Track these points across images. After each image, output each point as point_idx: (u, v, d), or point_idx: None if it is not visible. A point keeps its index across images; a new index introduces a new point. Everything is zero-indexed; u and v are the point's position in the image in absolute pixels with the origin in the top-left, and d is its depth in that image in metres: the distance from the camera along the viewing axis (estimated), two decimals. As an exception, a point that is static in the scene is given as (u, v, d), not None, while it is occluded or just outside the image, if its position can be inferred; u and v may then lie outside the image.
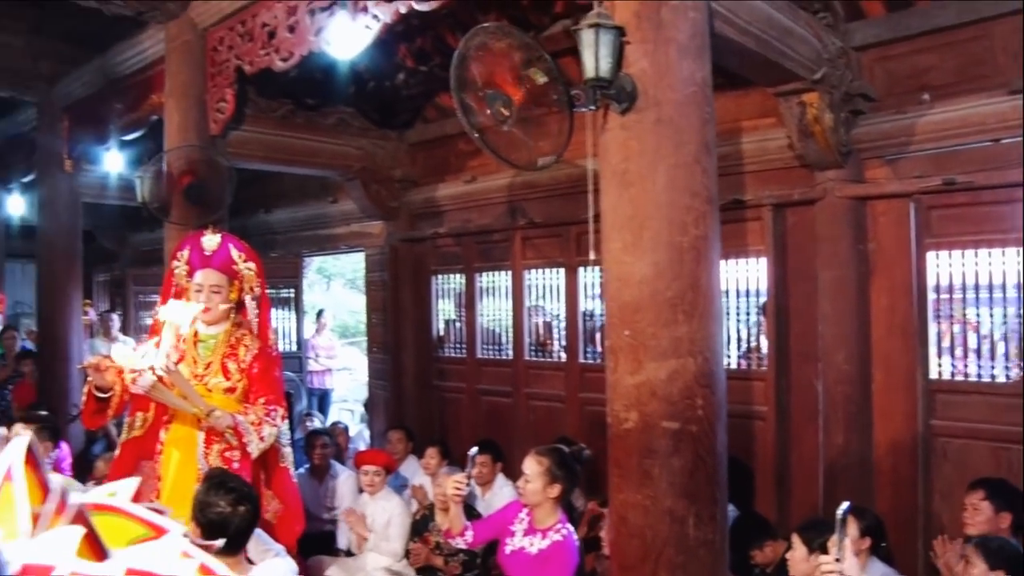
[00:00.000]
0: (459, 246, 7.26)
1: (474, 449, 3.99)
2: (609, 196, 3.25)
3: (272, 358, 4.10)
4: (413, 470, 6.34)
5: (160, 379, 3.52)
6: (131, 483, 0.78)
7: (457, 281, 7.38)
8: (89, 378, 3.70)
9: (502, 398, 6.91)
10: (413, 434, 6.71)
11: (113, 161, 8.11)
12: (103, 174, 8.70)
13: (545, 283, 6.64)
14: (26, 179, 9.16)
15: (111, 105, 7.07)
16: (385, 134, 7.43)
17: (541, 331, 6.79)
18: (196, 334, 3.98)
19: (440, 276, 7.54)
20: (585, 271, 6.29)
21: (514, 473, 5.85)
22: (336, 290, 18.47)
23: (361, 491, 5.65)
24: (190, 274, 4.02)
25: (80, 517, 0.67)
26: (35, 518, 0.69)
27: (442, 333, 7.59)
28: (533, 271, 6.70)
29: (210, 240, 3.95)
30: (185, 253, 4.07)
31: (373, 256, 8.19)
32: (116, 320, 9.76)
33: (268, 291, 4.29)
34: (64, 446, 6.25)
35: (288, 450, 4.23)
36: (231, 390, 3.92)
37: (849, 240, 4.96)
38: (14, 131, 9.32)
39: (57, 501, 0.67)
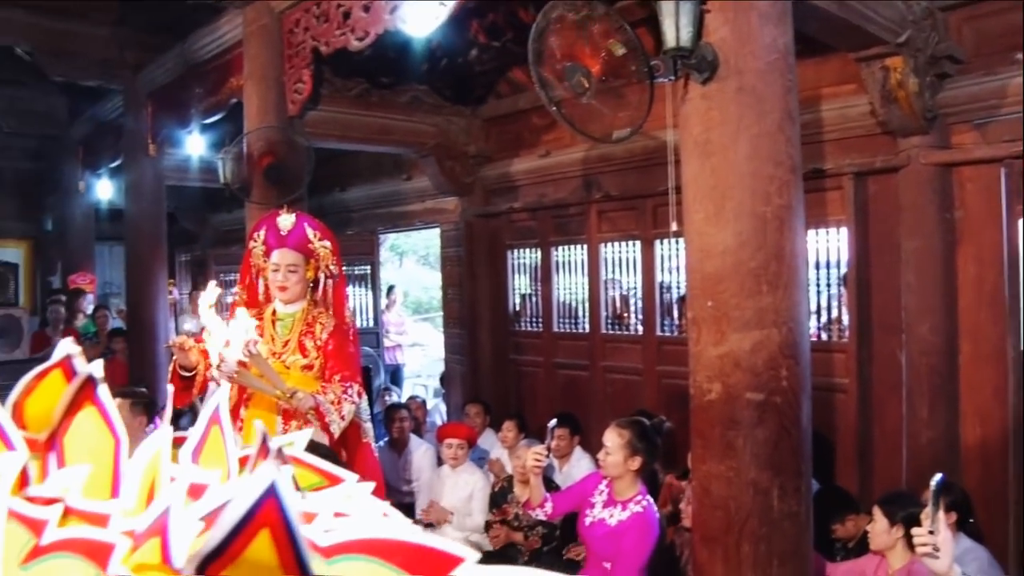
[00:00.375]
0: (534, 220, 7.25)
1: (553, 421, 3.98)
2: (690, 167, 3.22)
3: (347, 334, 4.12)
4: (491, 443, 6.40)
5: (242, 364, 3.57)
6: (306, 433, 0.81)
7: (532, 255, 7.37)
8: (174, 357, 3.77)
9: (578, 371, 6.90)
10: (490, 408, 6.76)
11: (194, 144, 8.29)
12: (185, 157, 8.90)
13: (621, 256, 6.60)
14: (113, 164, 9.48)
15: (192, 90, 7.23)
16: (459, 110, 7.43)
17: (617, 304, 6.76)
18: (274, 312, 4.04)
19: (515, 250, 7.54)
20: (661, 244, 6.23)
21: (591, 446, 5.87)
22: (408, 266, 18.66)
23: (440, 464, 5.73)
24: (267, 254, 4.07)
25: (282, 459, 0.70)
26: (241, 461, 0.73)
27: (518, 307, 7.60)
28: (609, 244, 6.66)
29: (285, 220, 3.97)
30: (261, 233, 4.11)
31: (448, 232, 8.23)
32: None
33: (344, 268, 4.33)
34: (159, 421, 6.48)
35: (368, 426, 4.27)
36: (308, 367, 3.96)
37: (934, 208, 4.82)
38: (102, 118, 9.62)
39: (260, 443, 0.70)
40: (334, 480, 0.77)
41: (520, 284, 7.59)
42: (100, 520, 0.66)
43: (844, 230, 5.23)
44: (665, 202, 5.78)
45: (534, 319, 7.41)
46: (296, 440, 0.77)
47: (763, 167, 3.08)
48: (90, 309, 9.34)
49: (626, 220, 6.48)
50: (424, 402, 7.99)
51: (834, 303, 5.44)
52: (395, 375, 10.84)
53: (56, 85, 9.22)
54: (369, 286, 10.46)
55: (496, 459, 5.94)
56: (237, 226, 11.45)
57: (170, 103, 7.77)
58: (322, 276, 4.08)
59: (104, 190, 10.26)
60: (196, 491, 0.66)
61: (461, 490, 5.44)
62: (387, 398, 8.09)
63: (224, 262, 11.74)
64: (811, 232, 5.29)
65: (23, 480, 0.69)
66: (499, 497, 5.24)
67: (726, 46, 3.06)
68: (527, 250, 7.44)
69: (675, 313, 6.22)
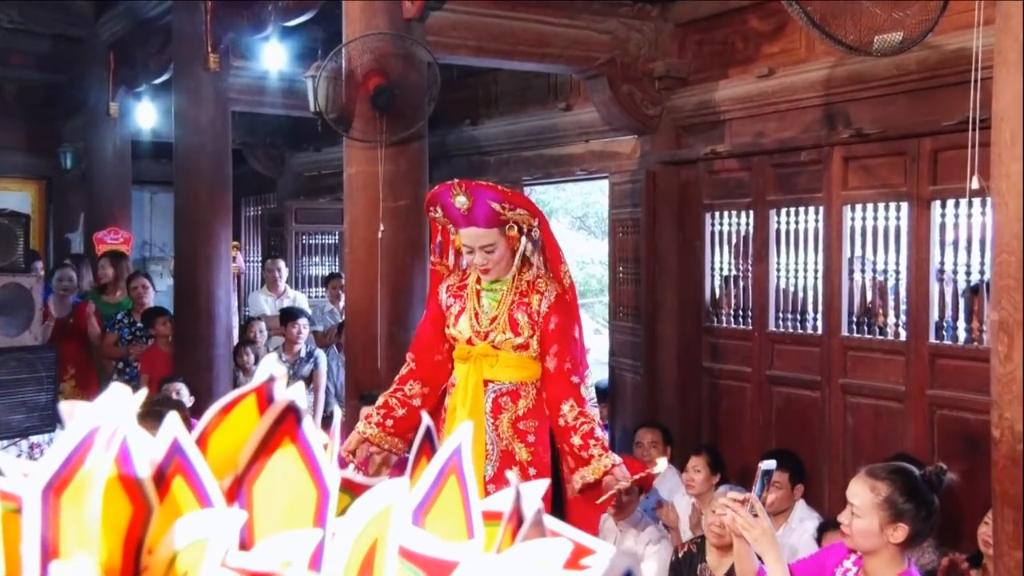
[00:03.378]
0: (747, 170, 7.11)
1: (771, 462, 3.87)
2: (1010, 89, 3.03)
3: (571, 307, 4.51)
4: (672, 486, 6.37)
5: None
6: (543, 483, 0.85)
7: (742, 221, 7.26)
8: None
9: (804, 390, 6.76)
10: (671, 436, 6.73)
11: (272, 56, 8.48)
12: (259, 74, 9.15)
13: (876, 224, 6.36)
14: (158, 80, 9.70)
15: (270, -22, 7.35)
16: (642, 10, 7.38)
17: (868, 295, 6.57)
18: (479, 280, 4.47)
19: (717, 213, 7.44)
20: (943, 207, 5.98)
21: (819, 500, 5.69)
22: (559, 231, 18.71)
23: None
24: (453, 225, 4.48)
25: (539, 527, 0.72)
26: (485, 517, 0.76)
27: (718, 294, 7.53)
28: (858, 207, 6.45)
29: (460, 201, 4.26)
30: (438, 209, 4.45)
31: (621, 185, 8.19)
32: (284, 270, 10.29)
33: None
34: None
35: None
36: (523, 347, 4.36)
37: None
38: (142, 15, 9.79)
39: (513, 503, 0.72)
40: (580, 552, 0.77)
41: (722, 261, 7.50)
42: None
43: None
44: (954, 144, 5.57)
45: (741, 312, 7.32)
46: (531, 492, 0.78)
47: None
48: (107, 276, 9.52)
49: (887, 171, 6.24)
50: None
51: None
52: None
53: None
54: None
55: (670, 504, 5.96)
56: (327, 169, 11.75)
57: (239, -4, 7.93)
58: (524, 241, 4.41)
59: (145, 116, 10.59)
60: (434, 568, 0.70)
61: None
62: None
63: (308, 219, 11.97)
64: None
65: None
66: (684, 566, 5.16)
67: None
68: (734, 213, 7.33)
69: (961, 311, 5.99)
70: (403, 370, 4.55)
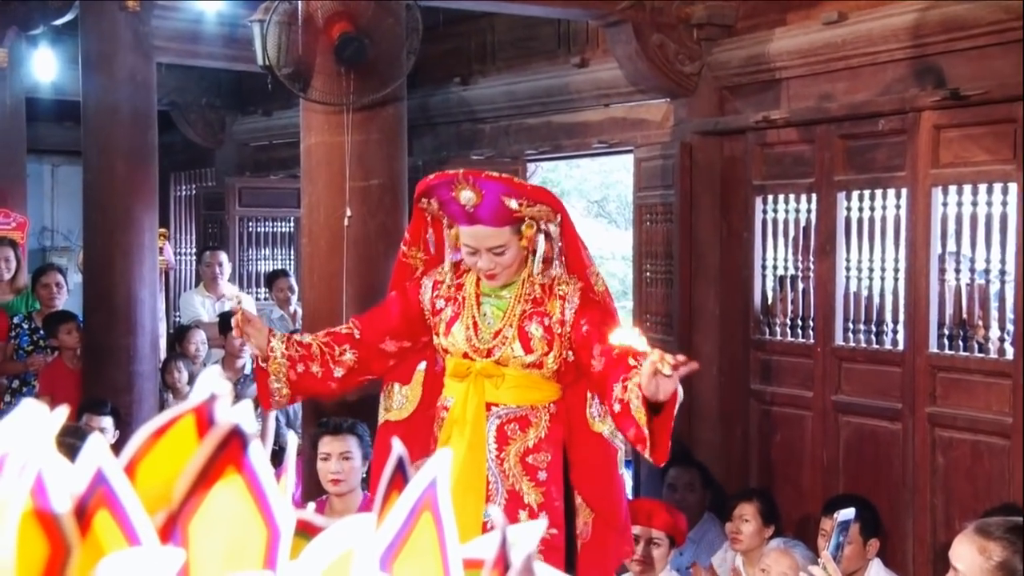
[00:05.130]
0: (809, 143, 7.08)
1: (848, 511, 3.90)
2: None
3: (607, 307, 4.58)
4: (711, 540, 6.46)
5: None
6: (540, 524, 0.92)
7: (801, 206, 7.24)
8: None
9: (881, 420, 6.73)
10: (711, 477, 6.84)
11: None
12: (191, 17, 9.08)
13: (976, 211, 6.29)
14: (60, 20, 9.52)
15: None
16: (678, -61, 7.42)
17: (964, 301, 6.49)
18: (478, 283, 4.56)
19: (770, 197, 7.43)
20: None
21: (900, 559, 5.69)
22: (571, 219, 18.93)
23: (623, 571, 5.71)
24: (448, 221, 4.58)
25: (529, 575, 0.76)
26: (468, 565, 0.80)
27: (770, 299, 7.53)
28: (952, 189, 6.38)
29: (466, 196, 4.31)
30: (433, 203, 4.56)
31: (650, 161, 8.18)
32: (226, 264, 10.26)
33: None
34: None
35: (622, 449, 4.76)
36: (536, 366, 4.45)
37: None
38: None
39: (497, 548, 0.76)
40: None
41: (776, 257, 7.50)
42: None
43: None
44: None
45: (800, 321, 7.32)
46: (521, 535, 0.80)
47: None
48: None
49: (990, 143, 6.17)
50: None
51: None
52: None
53: None
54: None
55: (710, 568, 6.02)
56: (281, 139, 11.75)
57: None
58: (541, 239, 4.50)
59: (43, 66, 10.53)
60: None
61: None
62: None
63: (255, 201, 11.92)
64: None
65: None
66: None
67: None
68: (792, 197, 7.32)
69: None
70: (342, 329, 4.68)
